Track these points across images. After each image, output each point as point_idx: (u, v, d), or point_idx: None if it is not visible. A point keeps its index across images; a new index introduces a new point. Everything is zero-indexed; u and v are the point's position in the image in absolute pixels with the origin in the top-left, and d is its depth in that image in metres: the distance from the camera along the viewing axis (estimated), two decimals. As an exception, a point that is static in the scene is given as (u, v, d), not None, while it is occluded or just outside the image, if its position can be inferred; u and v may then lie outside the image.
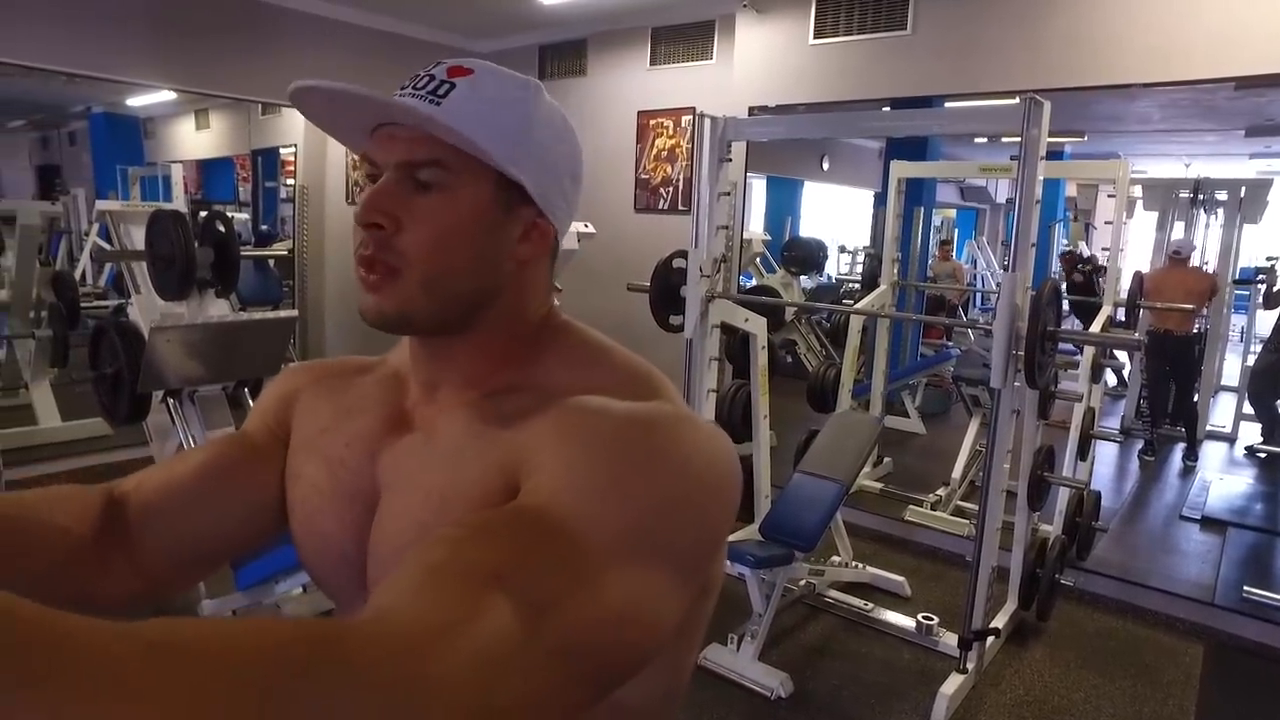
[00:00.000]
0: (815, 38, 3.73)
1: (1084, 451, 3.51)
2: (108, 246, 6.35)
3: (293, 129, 6.32)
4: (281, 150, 6.77)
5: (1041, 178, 2.34)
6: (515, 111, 0.60)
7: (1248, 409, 5.21)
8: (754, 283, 5.53)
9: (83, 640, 0.30)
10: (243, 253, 3.25)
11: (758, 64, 3.95)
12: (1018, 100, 2.31)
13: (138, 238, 3.13)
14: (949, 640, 2.77)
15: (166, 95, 6.43)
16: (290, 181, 6.65)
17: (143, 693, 0.30)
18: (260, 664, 0.33)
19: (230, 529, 0.69)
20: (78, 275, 6.06)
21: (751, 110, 3.88)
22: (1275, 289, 5.35)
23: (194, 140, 7.47)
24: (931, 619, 2.88)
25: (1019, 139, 2.31)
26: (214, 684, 0.31)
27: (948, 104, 3.63)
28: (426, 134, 0.57)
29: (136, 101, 7.22)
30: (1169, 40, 2.97)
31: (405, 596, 0.43)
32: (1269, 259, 6.79)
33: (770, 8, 3.87)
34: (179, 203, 5.84)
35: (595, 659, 0.46)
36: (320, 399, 0.71)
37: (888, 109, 3.78)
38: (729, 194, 3.18)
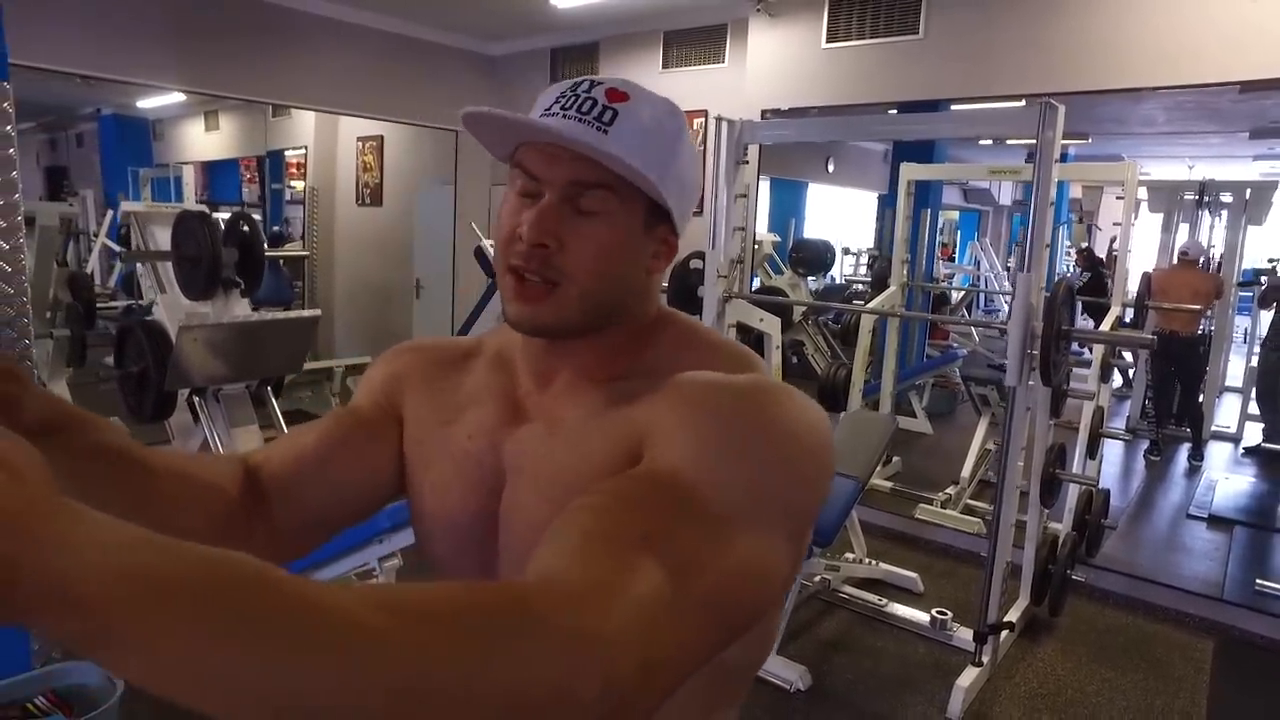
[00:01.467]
0: (828, 41, 3.78)
1: (1093, 450, 3.56)
2: (117, 247, 6.41)
3: (303, 131, 6.37)
4: (287, 153, 6.80)
5: (1057, 180, 2.38)
6: (667, 139, 0.64)
7: (1252, 409, 5.26)
8: (758, 283, 5.57)
9: (329, 599, 0.36)
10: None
11: (770, 67, 3.99)
12: (1024, 103, 2.36)
13: (161, 238, 3.17)
14: (963, 635, 2.81)
15: (176, 97, 6.46)
16: (295, 184, 6.70)
17: (383, 641, 0.36)
18: (471, 617, 0.40)
19: (347, 498, 0.74)
20: (87, 276, 6.09)
21: (764, 113, 3.93)
22: (1266, 287, 5.37)
23: (203, 142, 7.50)
24: (945, 614, 2.92)
25: (1025, 142, 2.36)
26: (436, 632, 0.38)
27: (954, 107, 3.68)
28: (589, 155, 0.60)
29: (146, 103, 7.25)
30: (1178, 44, 3.02)
31: (565, 560, 0.47)
32: (1270, 260, 6.85)
33: (783, 11, 3.91)
34: (189, 204, 5.89)
35: (728, 612, 0.51)
36: (433, 391, 0.75)
37: (893, 111, 3.83)
38: (745, 196, 3.23)
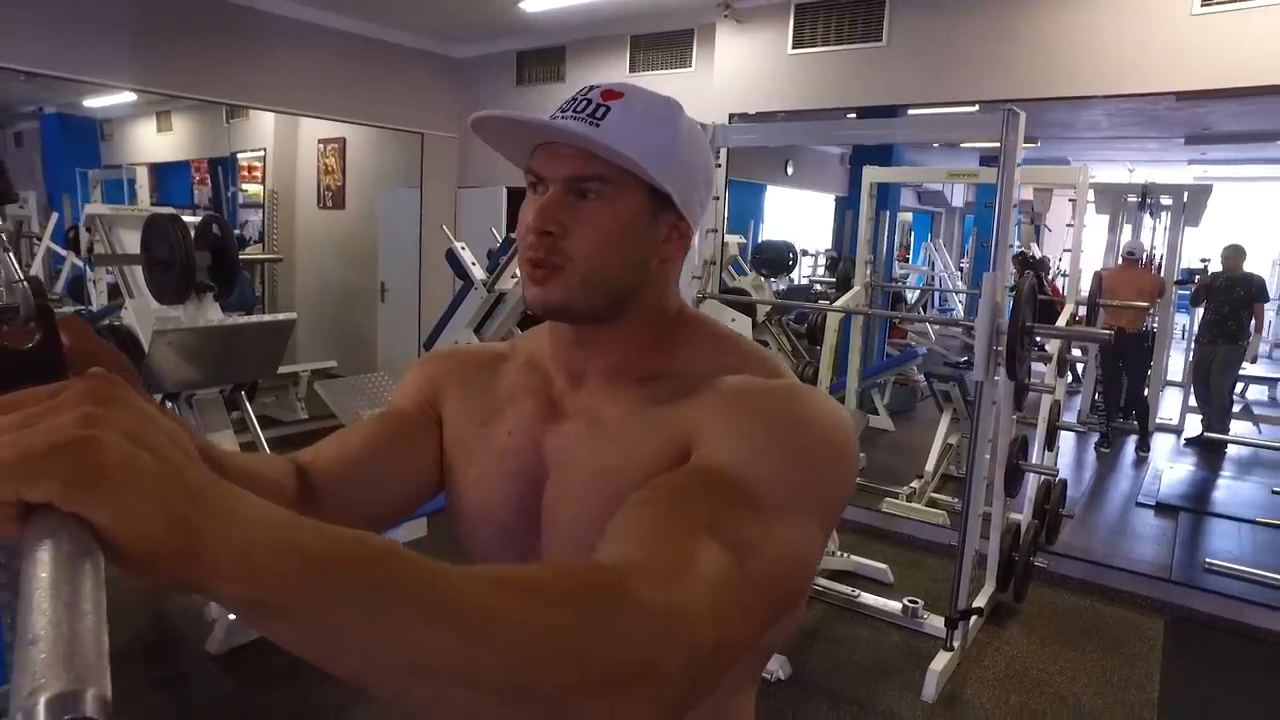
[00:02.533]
0: (794, 47, 3.88)
1: (1051, 442, 3.71)
2: (63, 251, 6.20)
3: (262, 133, 6.25)
4: (240, 156, 6.67)
5: (1019, 183, 2.50)
6: (662, 129, 0.68)
7: (1192, 402, 5.53)
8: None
9: (455, 576, 0.40)
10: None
11: (737, 72, 4.08)
12: (977, 108, 2.46)
13: (128, 241, 3.11)
14: (934, 622, 2.91)
15: (126, 96, 6.27)
16: (248, 187, 6.57)
17: (501, 613, 0.40)
18: (575, 593, 0.44)
19: (391, 497, 0.77)
20: (35, 281, 5.88)
21: (731, 117, 4.01)
22: (1197, 285, 5.62)
23: (154, 143, 7.29)
24: (917, 602, 3.02)
25: (979, 146, 2.48)
26: (546, 606, 0.42)
27: (911, 111, 3.80)
28: (588, 152, 0.65)
29: (94, 102, 7.02)
30: (1123, 56, 3.19)
31: (639, 547, 0.51)
32: (1202, 260, 7.19)
33: (749, 18, 4.00)
34: (144, 206, 5.74)
35: (778, 596, 0.56)
36: (469, 393, 0.78)
37: (852, 116, 3.95)
38: (716, 198, 3.30)
